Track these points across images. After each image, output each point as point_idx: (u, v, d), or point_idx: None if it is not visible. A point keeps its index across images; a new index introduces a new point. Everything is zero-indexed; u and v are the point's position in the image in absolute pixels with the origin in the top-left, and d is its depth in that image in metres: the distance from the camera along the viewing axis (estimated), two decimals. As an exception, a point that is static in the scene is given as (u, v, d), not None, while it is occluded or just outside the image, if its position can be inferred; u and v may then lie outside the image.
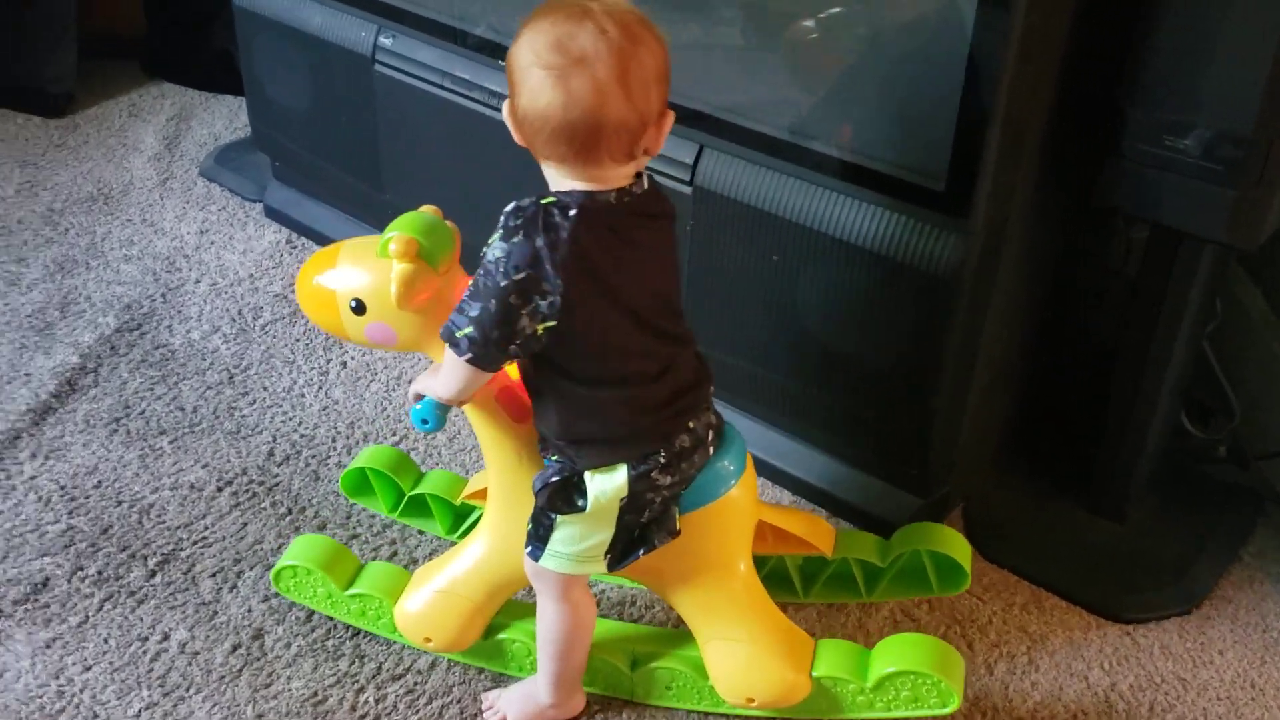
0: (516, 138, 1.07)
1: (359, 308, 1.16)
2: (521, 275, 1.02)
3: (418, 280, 1.11)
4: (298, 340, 1.88)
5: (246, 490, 1.58)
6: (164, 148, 2.43)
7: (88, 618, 1.39)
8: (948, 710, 1.21)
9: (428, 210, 1.16)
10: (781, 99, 1.42)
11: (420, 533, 1.53)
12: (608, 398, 1.09)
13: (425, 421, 1.14)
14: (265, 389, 1.77)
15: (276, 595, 1.42)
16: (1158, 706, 1.34)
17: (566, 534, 1.15)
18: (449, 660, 1.35)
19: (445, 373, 1.11)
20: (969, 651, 1.39)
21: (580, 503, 1.12)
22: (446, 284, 1.15)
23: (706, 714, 1.30)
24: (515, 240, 1.03)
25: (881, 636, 1.40)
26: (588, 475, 1.11)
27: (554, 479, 1.12)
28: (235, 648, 1.36)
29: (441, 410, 1.14)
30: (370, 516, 1.55)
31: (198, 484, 1.59)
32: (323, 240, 2.11)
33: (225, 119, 2.56)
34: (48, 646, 1.35)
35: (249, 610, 1.41)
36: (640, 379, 1.09)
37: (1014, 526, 1.57)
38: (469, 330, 1.05)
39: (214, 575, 1.45)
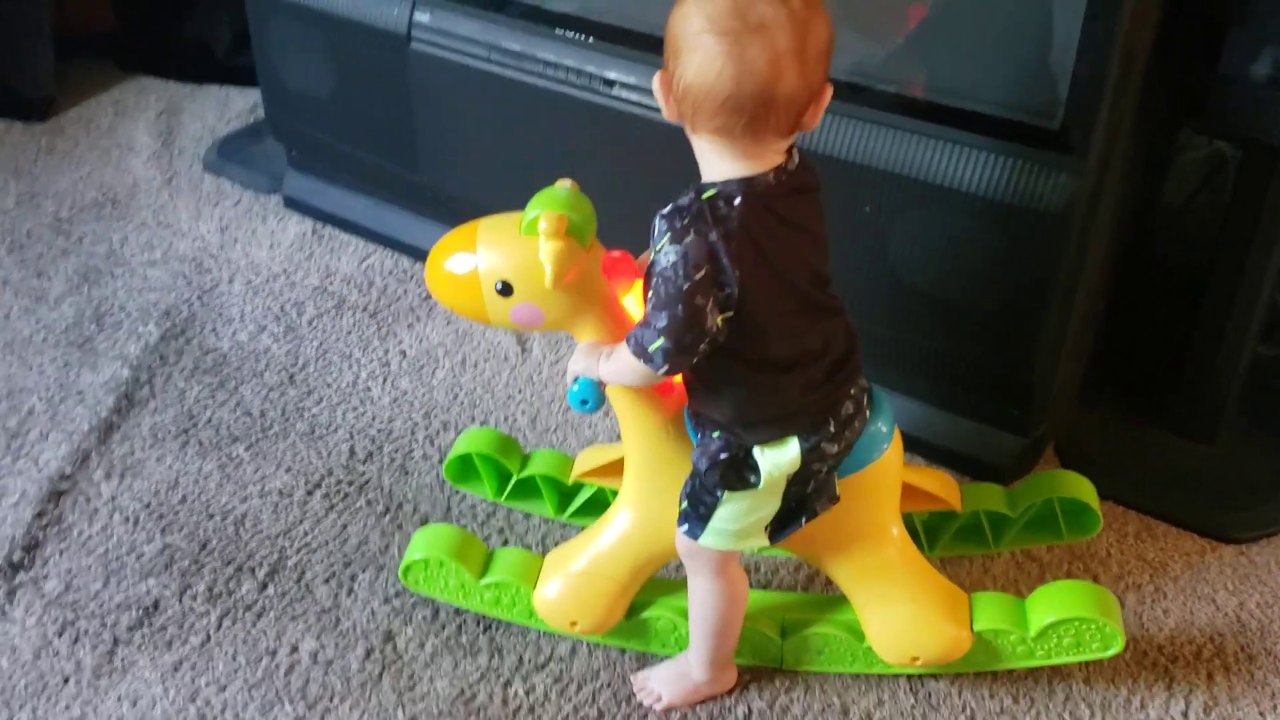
0: (667, 112, 1.02)
1: (505, 289, 1.12)
2: (701, 273, 0.99)
3: (570, 258, 1.08)
4: (349, 333, 1.83)
5: (337, 491, 1.54)
6: (160, 145, 2.34)
7: (209, 636, 1.34)
8: (1111, 652, 1.22)
9: (564, 184, 1.12)
10: (876, 41, 1.39)
11: (526, 517, 1.49)
12: (782, 379, 1.07)
13: (585, 402, 1.12)
14: (329, 385, 1.72)
15: (397, 596, 1.38)
16: (1287, 621, 1.36)
17: (731, 511, 1.12)
18: (589, 645, 1.33)
19: (618, 369, 1.08)
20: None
21: (753, 479, 1.09)
22: (592, 259, 1.12)
23: (858, 675, 1.30)
24: (688, 240, 0.99)
25: (1005, 580, 1.41)
26: (758, 450, 1.09)
27: (723, 456, 1.10)
28: (369, 652, 1.32)
29: (601, 389, 1.12)
30: (471, 506, 1.51)
31: (286, 489, 1.54)
32: (351, 228, 2.05)
33: (216, 110, 2.46)
34: (175, 669, 1.30)
35: (372, 613, 1.37)
36: (809, 357, 1.08)
37: (1108, 457, 1.58)
38: (661, 342, 1.01)
39: (327, 581, 1.41)
